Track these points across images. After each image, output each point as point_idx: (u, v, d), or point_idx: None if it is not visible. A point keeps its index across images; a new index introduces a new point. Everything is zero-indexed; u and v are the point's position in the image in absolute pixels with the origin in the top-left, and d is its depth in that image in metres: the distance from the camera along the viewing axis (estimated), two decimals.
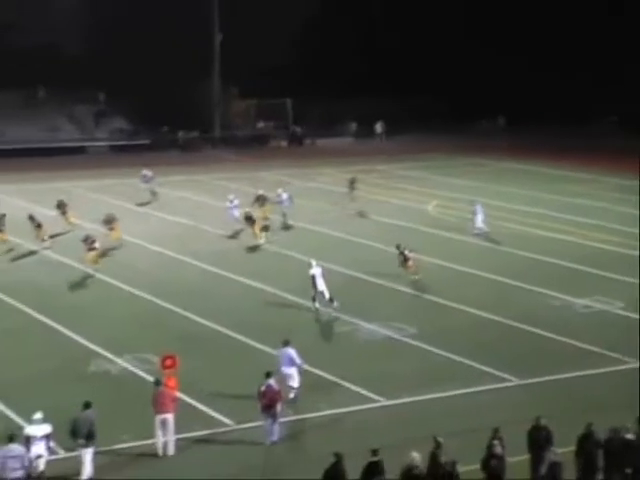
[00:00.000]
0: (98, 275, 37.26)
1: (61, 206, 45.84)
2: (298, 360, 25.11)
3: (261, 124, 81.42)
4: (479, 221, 44.24)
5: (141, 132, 76.28)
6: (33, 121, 73.98)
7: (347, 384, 26.45)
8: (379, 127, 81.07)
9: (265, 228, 44.05)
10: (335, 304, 32.90)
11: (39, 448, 20.57)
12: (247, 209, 43.95)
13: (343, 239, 43.57)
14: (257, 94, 77.82)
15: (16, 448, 19.89)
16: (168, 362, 24.28)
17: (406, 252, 36.62)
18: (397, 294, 35.22)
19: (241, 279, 36.78)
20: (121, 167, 63.32)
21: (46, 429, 20.81)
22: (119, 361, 28.09)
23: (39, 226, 42.02)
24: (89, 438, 21.04)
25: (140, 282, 36.30)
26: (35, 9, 75.16)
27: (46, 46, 73.63)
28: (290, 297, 34.51)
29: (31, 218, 42.50)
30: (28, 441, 20.49)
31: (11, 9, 74.99)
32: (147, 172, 52.98)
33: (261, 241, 42.40)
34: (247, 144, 76.87)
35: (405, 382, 26.59)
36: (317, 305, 33.05)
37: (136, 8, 73.93)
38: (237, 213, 44.79)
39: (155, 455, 22.18)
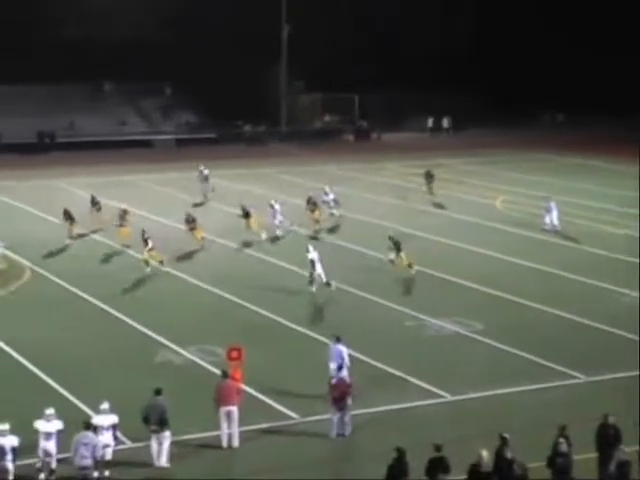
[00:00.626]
0: (165, 267, 37.54)
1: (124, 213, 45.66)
2: (347, 358, 24.88)
3: (327, 118, 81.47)
4: (554, 218, 43.85)
5: (207, 126, 76.70)
6: (101, 114, 74.80)
7: (413, 379, 26.39)
8: (445, 122, 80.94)
9: (317, 232, 43.65)
10: (332, 286, 34.03)
11: (106, 438, 20.84)
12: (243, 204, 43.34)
13: (409, 234, 43.43)
14: (324, 88, 77.84)
15: (90, 436, 20.16)
16: (234, 354, 24.42)
17: (400, 245, 36.61)
18: (464, 290, 35.06)
19: (304, 272, 36.86)
20: (187, 161, 63.67)
21: (113, 419, 21.06)
22: (184, 352, 28.30)
23: (71, 221, 42.03)
24: (162, 424, 21.28)
25: (205, 274, 36.55)
26: (103, 2, 75.92)
27: (115, 39, 74.31)
28: (355, 291, 34.54)
29: (66, 213, 42.59)
30: (95, 431, 20.74)
31: (80, 2, 75.83)
32: (204, 169, 51.99)
33: (263, 237, 41.75)
34: (313, 138, 76.94)
35: (471, 378, 26.48)
36: (313, 289, 34.12)
37: (204, 0, 74.40)
38: (280, 218, 44.38)
39: (220, 447, 22.32)
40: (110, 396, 21.94)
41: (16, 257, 38.91)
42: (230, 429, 22.44)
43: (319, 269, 34.33)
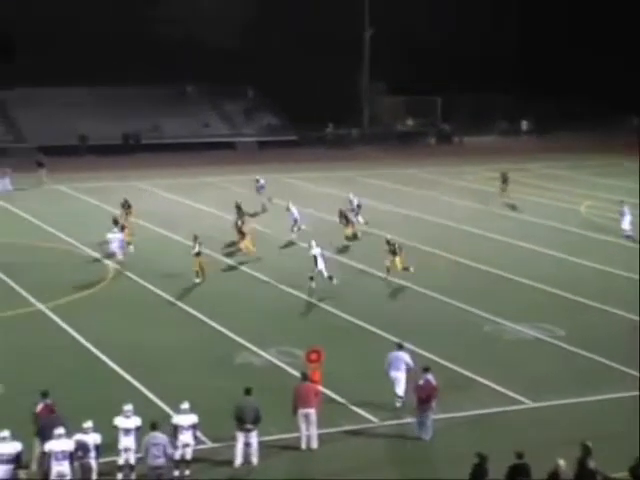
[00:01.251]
0: (244, 268, 37.78)
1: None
2: (412, 363, 24.70)
3: (410, 121, 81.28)
4: (626, 223, 43.33)
5: (289, 128, 76.99)
6: (184, 116, 75.51)
7: (492, 384, 26.19)
8: (525, 125, 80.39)
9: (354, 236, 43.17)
10: (334, 281, 34.48)
11: (186, 437, 21.01)
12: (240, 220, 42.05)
13: (490, 238, 43.19)
14: (407, 91, 77.67)
15: (159, 436, 20.33)
16: (313, 356, 24.45)
17: (396, 246, 36.56)
18: (545, 295, 34.71)
19: (381, 274, 36.84)
20: (269, 163, 64.07)
21: (193, 419, 21.22)
22: (264, 354, 28.42)
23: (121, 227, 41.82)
24: (255, 422, 21.47)
25: (285, 276, 36.65)
26: (187, 4, 76.67)
27: (198, 42, 75.02)
28: (434, 295, 34.45)
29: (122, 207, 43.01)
30: (176, 430, 20.94)
31: (164, 4, 76.68)
32: (261, 180, 51.36)
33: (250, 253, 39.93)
34: (395, 141, 76.82)
35: (552, 384, 26.19)
36: (314, 285, 34.53)
37: (286, 3, 74.74)
38: (360, 219, 44.74)
39: (299, 448, 22.37)
40: (190, 396, 22.09)
41: (100, 257, 39.43)
42: (309, 431, 22.47)
43: (321, 265, 34.82)
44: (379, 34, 74.77)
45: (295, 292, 34.83)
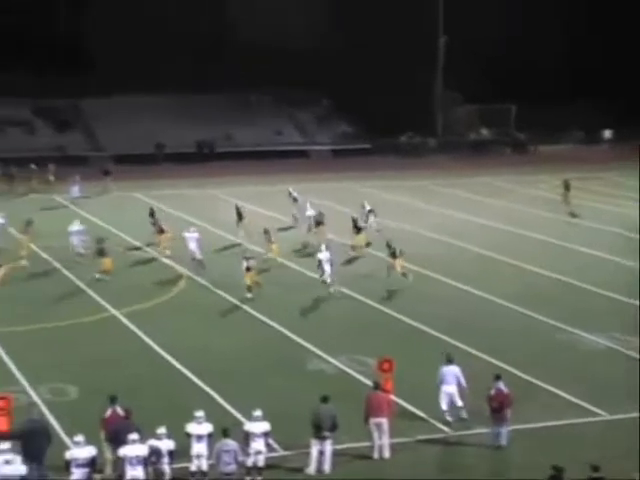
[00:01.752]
0: (313, 275, 37.82)
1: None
2: (462, 380, 24.29)
3: (484, 130, 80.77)
4: None
5: (363, 136, 76.93)
6: (258, 125, 75.78)
7: (567, 395, 25.86)
8: (607, 133, 79.43)
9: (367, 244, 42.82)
10: (331, 290, 35.14)
11: (258, 445, 21.05)
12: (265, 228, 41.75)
13: (561, 246, 42.84)
14: (480, 99, 77.22)
15: (230, 442, 20.39)
16: (385, 366, 24.36)
17: (396, 250, 36.92)
18: (618, 304, 34.25)
19: (452, 282, 36.69)
20: (342, 171, 64.09)
21: (265, 426, 21.24)
22: (336, 362, 28.38)
23: (161, 231, 42.07)
24: (332, 430, 21.49)
25: (356, 284, 36.59)
26: (264, 13, 77.07)
27: (272, 49, 75.35)
28: (501, 301, 34.27)
29: (152, 214, 43.45)
30: (248, 437, 20.99)
31: (240, 12, 77.19)
32: (292, 191, 49.89)
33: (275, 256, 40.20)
34: (469, 150, 76.40)
35: (629, 397, 25.75)
36: (328, 280, 35.33)
37: (360, 11, 74.77)
38: (374, 224, 44.84)
39: (371, 457, 22.29)
40: (262, 403, 22.12)
41: (173, 264, 39.74)
42: (381, 440, 22.38)
43: (327, 269, 35.35)
44: (453, 42, 74.45)
45: (364, 299, 34.75)
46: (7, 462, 18.97)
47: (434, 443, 23.25)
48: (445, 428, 23.84)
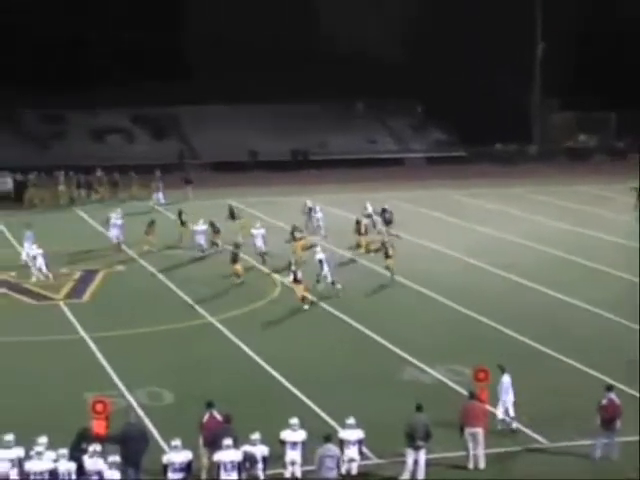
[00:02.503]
0: (409, 283, 37.78)
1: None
2: (510, 389, 24.09)
3: (582, 137, 79.74)
4: None
5: (458, 144, 76.57)
6: (352, 133, 75.90)
7: None
8: None
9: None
10: (338, 286, 35.85)
11: (352, 452, 21.09)
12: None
13: None
14: (579, 107, 76.25)
15: (333, 448, 20.48)
16: (481, 375, 24.20)
17: (389, 248, 37.99)
18: None
19: (545, 289, 36.33)
20: (437, 179, 63.87)
21: (359, 434, 21.28)
22: (431, 371, 28.29)
23: (217, 232, 43.59)
24: (426, 439, 21.43)
25: (452, 292, 36.45)
26: (356, 21, 77.18)
27: (367, 58, 75.45)
28: (598, 310, 33.96)
29: (212, 224, 43.89)
30: (342, 445, 21.03)
31: (333, 21, 77.43)
32: (308, 202, 49.28)
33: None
34: (567, 158, 75.49)
35: None
36: (321, 287, 36.07)
37: (455, 18, 74.44)
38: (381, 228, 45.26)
39: (465, 468, 22.16)
40: (356, 410, 22.17)
41: (268, 271, 39.99)
42: (476, 451, 22.24)
43: (326, 270, 36.05)
44: (551, 48, 73.70)
45: (461, 308, 34.60)
46: (110, 465, 19.33)
47: (530, 454, 23.01)
48: (541, 439, 23.59)
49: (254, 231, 41.78)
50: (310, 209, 48.17)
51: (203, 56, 75.14)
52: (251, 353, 29.93)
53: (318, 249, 37.88)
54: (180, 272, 40.11)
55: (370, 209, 47.13)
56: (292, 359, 29.28)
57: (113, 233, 44.33)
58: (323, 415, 24.84)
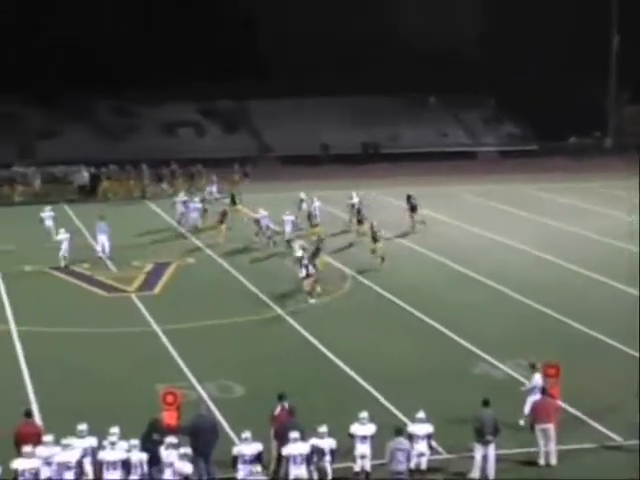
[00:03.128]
0: (479, 277, 37.60)
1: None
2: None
3: None
4: None
5: (530, 137, 75.95)
6: (423, 126, 75.67)
7: None
8: None
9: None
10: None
11: (421, 446, 21.06)
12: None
13: None
14: None
15: (404, 441, 20.49)
16: (552, 371, 24.00)
17: (379, 232, 38.87)
18: None
19: (616, 284, 35.93)
20: (510, 172, 63.44)
21: (428, 428, 21.24)
22: (502, 366, 28.12)
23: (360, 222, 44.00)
24: (494, 434, 21.32)
25: (523, 287, 36.19)
26: (430, 15, 76.85)
27: (439, 51, 75.12)
28: None
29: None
30: (411, 439, 20.99)
31: (407, 16, 77.20)
32: (355, 197, 49.01)
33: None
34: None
35: None
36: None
37: (530, 11, 73.79)
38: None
39: (536, 464, 22.00)
40: (426, 405, 22.12)
41: (339, 266, 40.04)
42: (547, 447, 22.06)
43: (303, 273, 35.31)
44: (625, 41, 72.76)
45: (532, 303, 34.35)
46: (182, 456, 19.51)
47: (603, 451, 22.78)
48: (614, 435, 23.34)
49: (285, 217, 43.56)
50: (301, 200, 48.59)
51: (274, 50, 75.35)
52: (321, 346, 29.99)
53: (296, 246, 37.16)
54: (251, 264, 40.32)
55: (355, 199, 47.39)
56: (362, 353, 29.29)
57: (192, 217, 46.78)
58: (392, 409, 24.82)
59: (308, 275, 35.07)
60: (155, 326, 32.08)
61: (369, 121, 74.06)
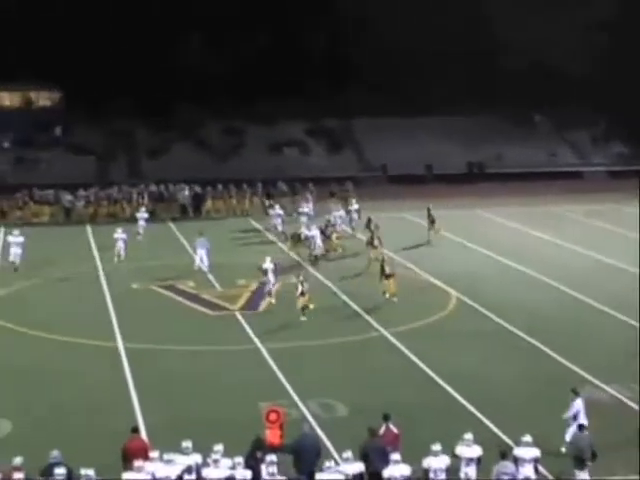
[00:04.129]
0: (583, 297, 37.09)
1: None
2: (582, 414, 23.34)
3: None
4: None
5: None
6: (530, 146, 74.91)
7: None
8: None
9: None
10: (273, 301, 37.04)
11: (528, 470, 20.80)
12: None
13: None
14: None
15: (509, 465, 20.32)
16: None
17: (387, 268, 37.32)
18: None
19: None
20: (619, 192, 62.44)
21: (535, 452, 21.00)
22: (608, 388, 27.69)
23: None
24: (592, 459, 21.08)
25: (626, 308, 35.50)
26: (535, 31, 76.24)
27: (545, 69, 74.47)
28: None
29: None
30: (516, 462, 20.79)
31: (511, 32, 76.70)
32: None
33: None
34: None
35: None
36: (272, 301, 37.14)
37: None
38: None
39: None
40: (532, 429, 21.86)
41: (443, 286, 39.90)
42: None
43: (272, 279, 37.35)
44: None
45: (636, 324, 33.75)
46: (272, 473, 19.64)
47: None
48: None
49: (308, 233, 44.08)
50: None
51: (379, 68, 75.48)
52: (425, 367, 29.90)
53: (268, 259, 38.11)
54: (353, 283, 40.36)
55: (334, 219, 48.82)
56: (466, 374, 29.12)
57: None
58: (497, 431, 24.64)
59: (302, 293, 35.30)
60: (259, 344, 32.35)
61: (475, 140, 73.62)
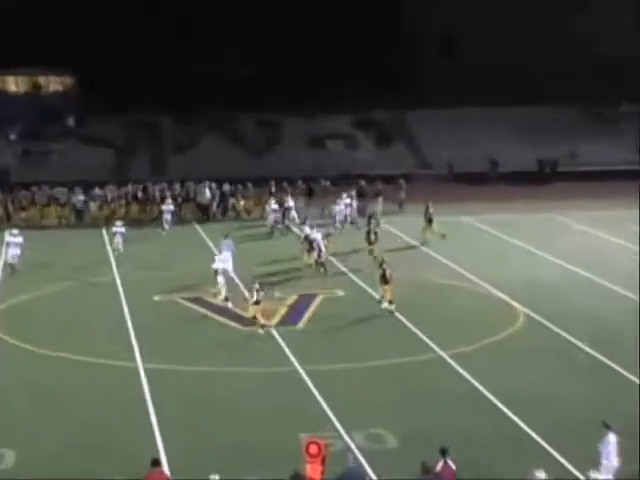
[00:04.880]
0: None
1: None
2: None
3: None
4: None
5: None
6: (608, 142, 74.33)
7: None
8: None
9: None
10: (229, 304, 38.36)
11: None
12: None
13: None
14: None
15: None
16: None
17: (387, 272, 37.95)
18: None
19: None
20: None
21: None
22: None
23: None
24: None
25: None
26: (614, 19, 76.05)
27: (625, 59, 74.21)
28: None
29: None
30: None
31: (589, 19, 76.54)
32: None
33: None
34: None
35: None
36: (221, 297, 38.98)
37: None
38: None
39: None
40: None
41: (509, 300, 39.73)
42: None
43: (221, 281, 39.13)
44: None
45: None
46: None
47: None
48: None
49: (317, 236, 44.67)
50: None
51: (433, 57, 75.58)
52: (486, 392, 29.79)
53: (216, 258, 40.25)
54: (405, 298, 40.13)
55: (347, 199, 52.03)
56: (533, 399, 29.01)
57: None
58: (565, 463, 24.52)
59: (257, 302, 35.89)
60: (298, 365, 32.33)
61: (546, 136, 73.26)
